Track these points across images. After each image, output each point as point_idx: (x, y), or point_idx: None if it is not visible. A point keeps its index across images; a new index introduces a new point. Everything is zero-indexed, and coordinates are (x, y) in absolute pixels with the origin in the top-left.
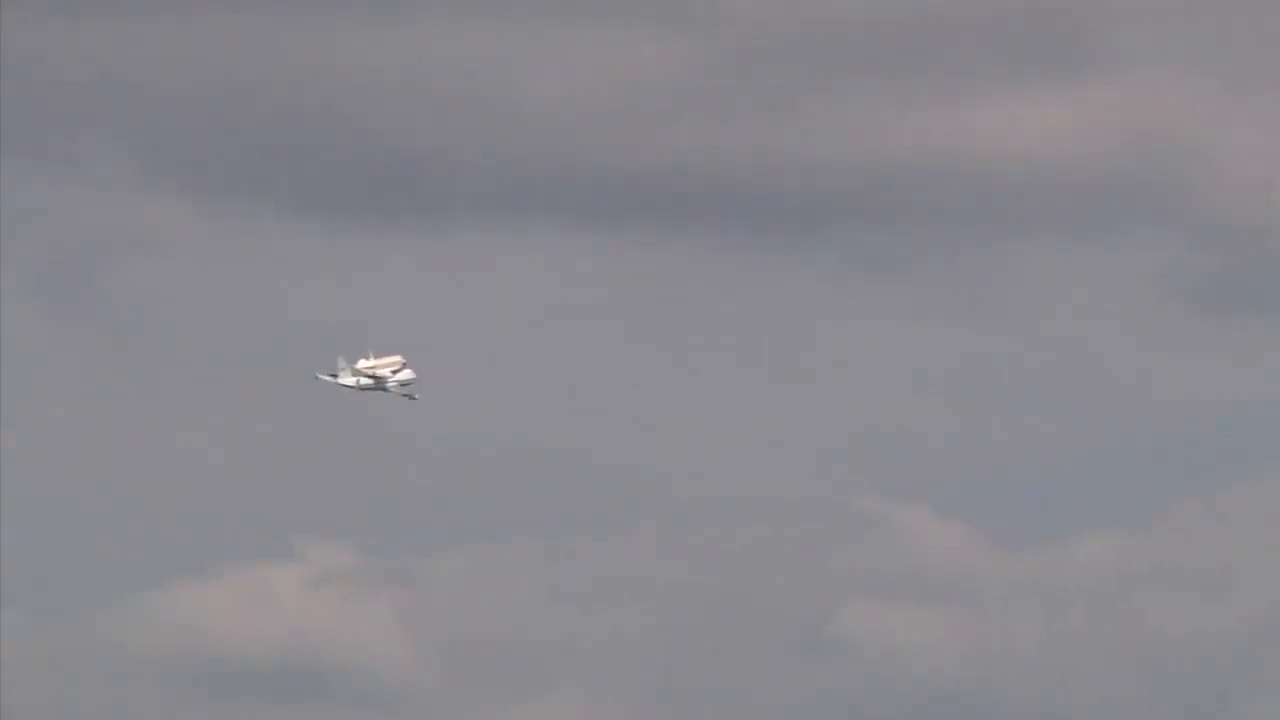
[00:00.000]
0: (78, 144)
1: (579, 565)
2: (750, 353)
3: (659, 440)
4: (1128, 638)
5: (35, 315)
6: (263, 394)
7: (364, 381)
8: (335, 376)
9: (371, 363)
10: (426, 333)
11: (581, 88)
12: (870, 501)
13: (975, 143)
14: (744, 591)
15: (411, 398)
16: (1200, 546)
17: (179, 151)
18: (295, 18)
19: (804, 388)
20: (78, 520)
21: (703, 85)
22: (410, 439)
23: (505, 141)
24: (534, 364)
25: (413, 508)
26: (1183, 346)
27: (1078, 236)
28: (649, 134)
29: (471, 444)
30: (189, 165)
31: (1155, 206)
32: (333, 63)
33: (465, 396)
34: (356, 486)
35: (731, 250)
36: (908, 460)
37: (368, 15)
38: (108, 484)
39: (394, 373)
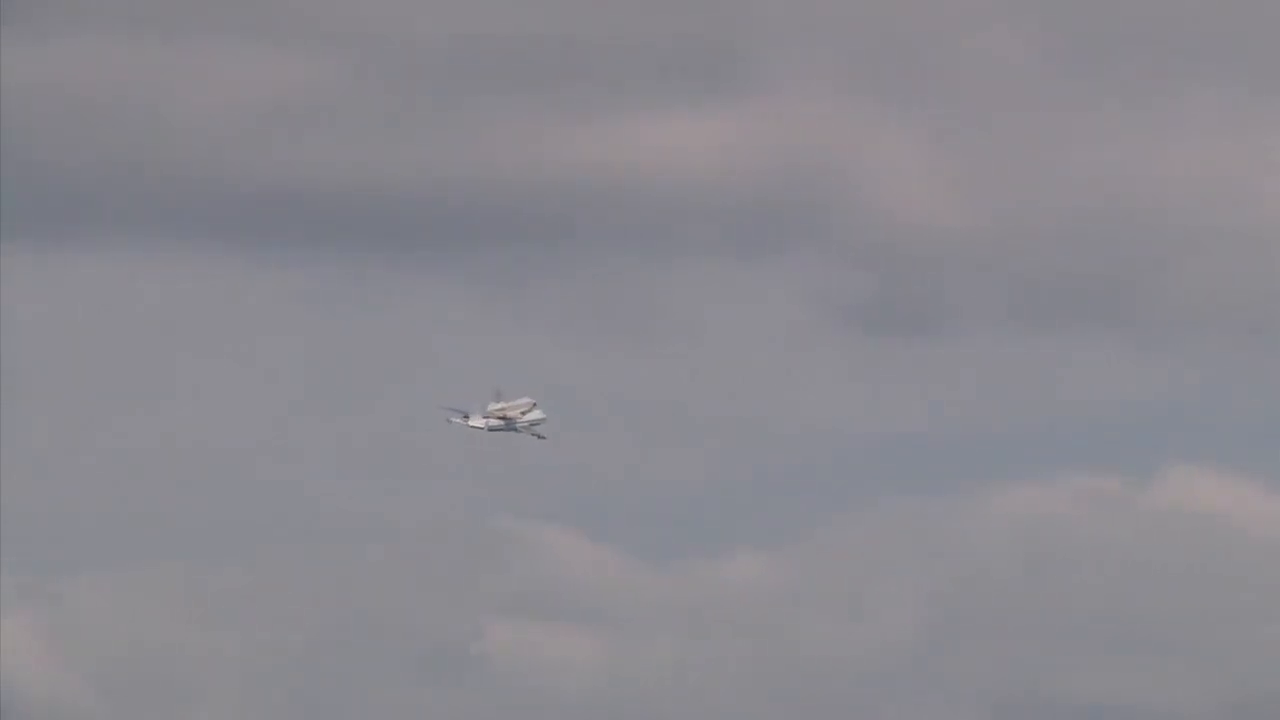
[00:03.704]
0: None
1: (223, 583)
2: (392, 372)
3: (304, 459)
4: (771, 658)
5: None
6: None
7: (494, 423)
8: (466, 418)
9: (501, 405)
10: (69, 352)
11: (228, 104)
12: (513, 521)
13: (622, 162)
14: (388, 611)
15: (540, 437)
16: (845, 568)
17: None
18: None
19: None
20: None
21: (352, 102)
22: (52, 457)
23: (147, 157)
24: (175, 383)
25: (54, 526)
26: (833, 368)
27: (727, 257)
28: (295, 150)
29: (113, 462)
30: None
31: (805, 228)
32: None
33: (111, 416)
34: None
35: (376, 268)
36: (552, 480)
37: (11, 27)
38: None
39: (523, 414)
